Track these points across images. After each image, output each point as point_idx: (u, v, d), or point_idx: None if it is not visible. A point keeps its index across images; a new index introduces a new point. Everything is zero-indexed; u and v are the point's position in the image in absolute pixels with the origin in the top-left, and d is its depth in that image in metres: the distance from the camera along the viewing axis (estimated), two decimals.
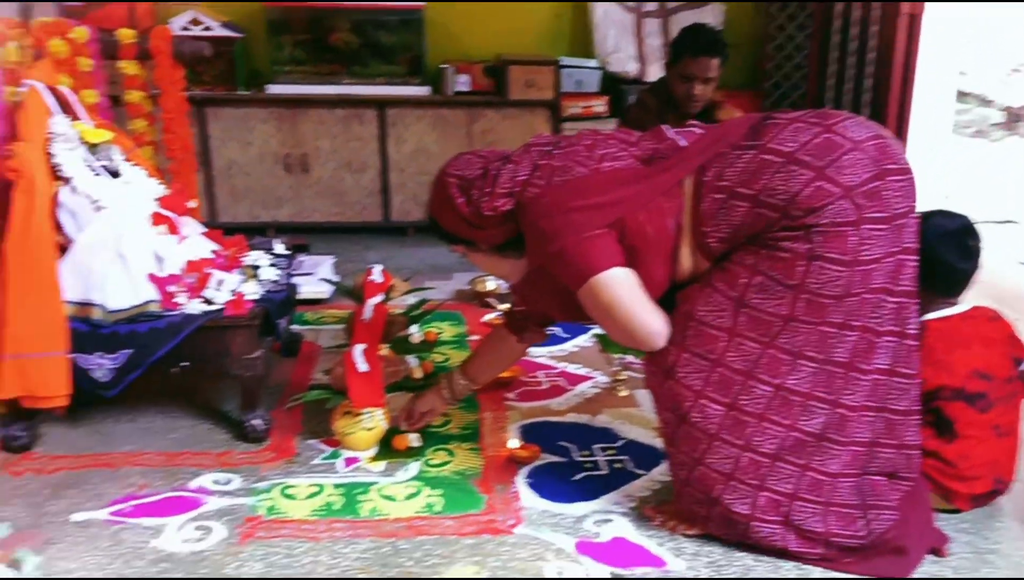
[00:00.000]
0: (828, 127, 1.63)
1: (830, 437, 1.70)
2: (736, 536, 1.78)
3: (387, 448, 2.22)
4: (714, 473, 1.73)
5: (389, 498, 2.01)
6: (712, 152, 1.69)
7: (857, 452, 1.71)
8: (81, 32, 2.55)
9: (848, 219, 1.57)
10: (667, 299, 1.75)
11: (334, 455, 2.20)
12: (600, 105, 4.24)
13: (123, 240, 2.17)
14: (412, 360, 2.64)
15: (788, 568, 1.75)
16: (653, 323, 1.70)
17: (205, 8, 4.06)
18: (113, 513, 1.94)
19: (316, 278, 3.33)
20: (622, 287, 1.68)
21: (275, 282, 2.42)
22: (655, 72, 4.29)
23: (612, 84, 4.33)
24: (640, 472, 2.14)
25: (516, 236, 1.80)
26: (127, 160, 2.38)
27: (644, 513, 1.95)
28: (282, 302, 2.44)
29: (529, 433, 2.33)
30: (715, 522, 1.79)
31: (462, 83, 4.18)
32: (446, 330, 3.05)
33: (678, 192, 1.70)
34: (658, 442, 2.26)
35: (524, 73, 4.10)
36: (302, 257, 3.53)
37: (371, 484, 2.07)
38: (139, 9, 3.92)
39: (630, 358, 2.65)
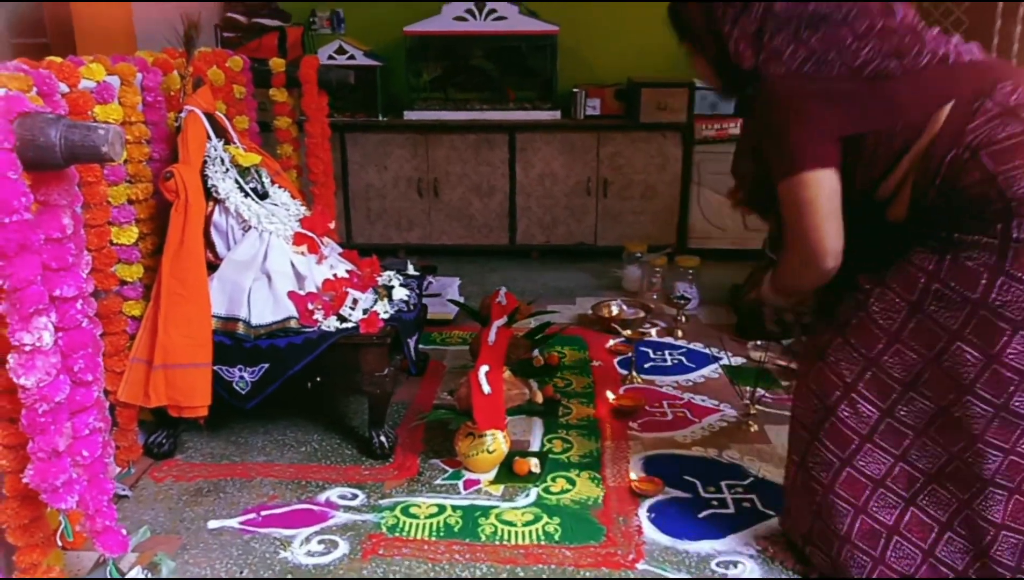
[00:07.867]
0: None
1: (999, 483, 1.51)
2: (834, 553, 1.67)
3: (507, 471, 2.21)
4: (863, 478, 1.62)
5: (508, 523, 2.00)
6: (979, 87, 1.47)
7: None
8: (236, 62, 2.72)
9: None
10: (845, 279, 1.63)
11: (455, 476, 2.22)
12: (735, 127, 4.13)
13: (268, 259, 2.29)
14: (534, 383, 2.63)
15: None
16: (833, 242, 1.54)
17: (350, 38, 4.26)
18: (245, 522, 2.02)
19: (443, 299, 3.40)
20: (823, 192, 1.53)
21: (406, 302, 2.48)
22: None
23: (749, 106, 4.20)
24: (770, 512, 2.03)
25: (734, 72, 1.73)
26: (273, 182, 2.50)
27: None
28: (412, 322, 2.49)
29: (652, 465, 2.26)
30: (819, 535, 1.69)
31: (592, 107, 4.18)
32: (568, 354, 3.03)
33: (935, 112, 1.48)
34: None
35: (656, 96, 4.05)
36: (430, 278, 3.62)
37: (491, 508, 2.06)
38: (289, 40, 4.17)
39: (761, 391, 2.54)
